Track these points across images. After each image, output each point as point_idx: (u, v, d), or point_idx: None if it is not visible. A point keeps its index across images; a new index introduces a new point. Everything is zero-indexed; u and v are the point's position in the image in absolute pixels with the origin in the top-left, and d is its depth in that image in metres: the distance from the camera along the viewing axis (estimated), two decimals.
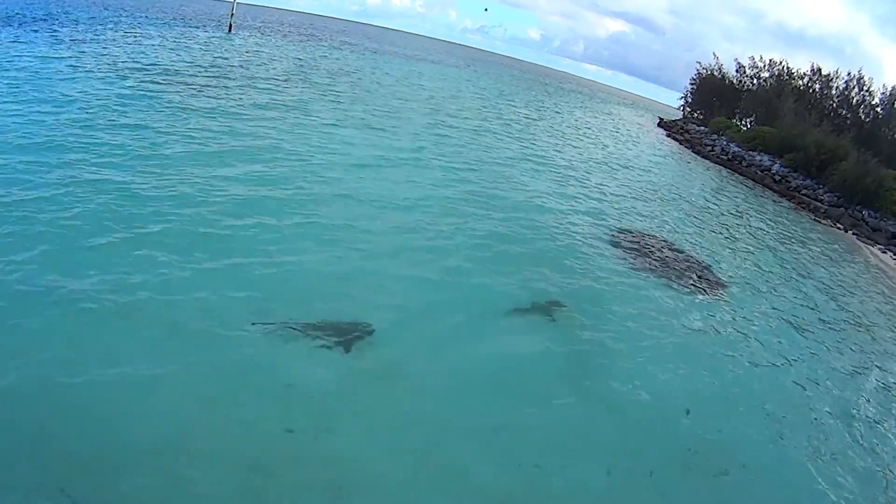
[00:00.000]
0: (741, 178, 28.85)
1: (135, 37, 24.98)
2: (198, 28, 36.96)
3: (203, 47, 26.25)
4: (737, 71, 46.00)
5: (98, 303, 5.58)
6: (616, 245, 11.18)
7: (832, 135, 28.60)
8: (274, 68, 24.11)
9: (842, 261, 17.26)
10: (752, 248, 14.78)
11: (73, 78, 14.04)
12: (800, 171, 27.65)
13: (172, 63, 19.42)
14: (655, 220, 14.16)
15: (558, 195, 13.99)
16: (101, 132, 10.27)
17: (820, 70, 39.29)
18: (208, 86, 16.65)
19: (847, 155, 25.72)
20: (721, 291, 10.45)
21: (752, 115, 41.60)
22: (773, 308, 10.61)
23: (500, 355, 6.47)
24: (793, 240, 17.71)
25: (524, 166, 16.29)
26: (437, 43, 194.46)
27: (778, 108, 35.16)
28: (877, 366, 9.56)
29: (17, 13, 25.04)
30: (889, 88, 34.53)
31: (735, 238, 15.32)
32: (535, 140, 21.84)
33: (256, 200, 8.78)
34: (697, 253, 12.31)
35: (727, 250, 13.67)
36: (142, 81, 15.21)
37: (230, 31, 37.44)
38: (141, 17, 36.72)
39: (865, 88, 36.01)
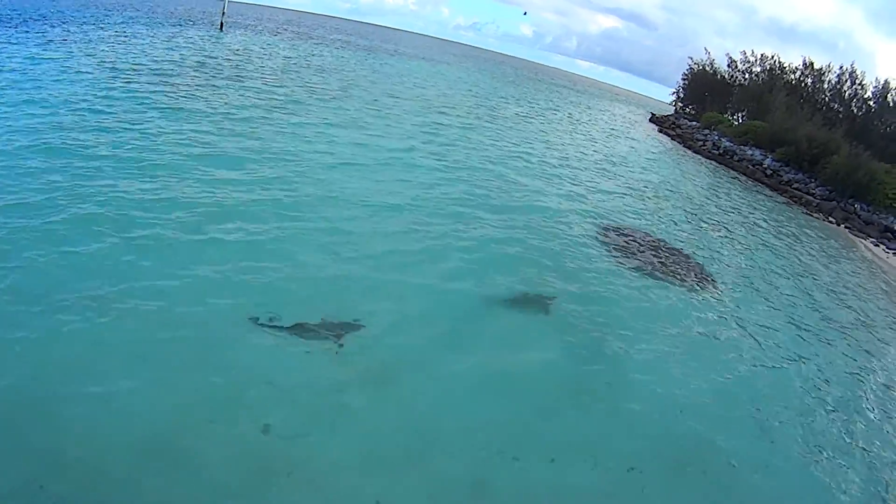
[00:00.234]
0: (733, 172, 28.92)
1: (125, 36, 24.72)
2: (189, 27, 36.64)
3: (194, 46, 26.02)
4: (728, 66, 46.06)
5: (83, 304, 5.53)
6: (608, 243, 11.18)
7: (824, 128, 28.63)
8: (265, 67, 23.96)
9: (838, 256, 17.32)
10: (746, 244, 14.81)
11: (62, 80, 13.87)
12: (791, 164, 27.72)
13: (162, 63, 19.23)
14: (648, 218, 14.18)
15: (550, 193, 13.98)
16: (87, 134, 10.15)
17: (812, 64, 39.31)
18: (199, 86, 16.51)
19: (839, 148, 25.78)
20: (716, 289, 10.44)
21: (743, 110, 41.56)
22: (769, 305, 10.61)
23: (493, 357, 6.43)
24: (787, 235, 17.75)
25: (516, 164, 16.27)
26: (430, 40, 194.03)
27: (769, 102, 35.18)
28: (877, 365, 9.53)
29: (8, 14, 24.73)
30: (881, 82, 34.67)
31: (730, 234, 15.34)
32: (527, 137, 21.83)
33: (246, 202, 8.71)
34: (691, 250, 12.33)
35: (721, 247, 13.69)
36: (130, 82, 15.06)
37: (222, 29, 37.25)
38: (131, 16, 36.37)
39: (857, 82, 36.02)
